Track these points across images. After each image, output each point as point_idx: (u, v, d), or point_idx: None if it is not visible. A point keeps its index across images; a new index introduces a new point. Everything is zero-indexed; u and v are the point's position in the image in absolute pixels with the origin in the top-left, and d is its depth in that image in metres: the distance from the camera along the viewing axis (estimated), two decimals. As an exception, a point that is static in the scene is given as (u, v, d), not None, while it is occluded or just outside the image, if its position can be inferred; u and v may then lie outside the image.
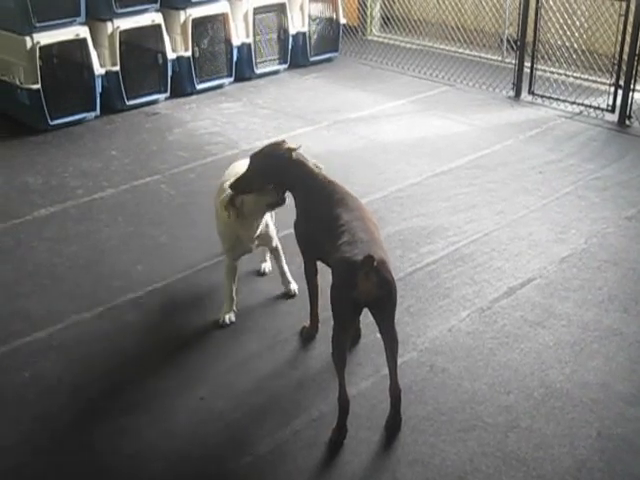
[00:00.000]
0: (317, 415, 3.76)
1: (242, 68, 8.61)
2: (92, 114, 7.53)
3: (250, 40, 8.51)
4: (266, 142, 4.62)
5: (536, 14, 7.68)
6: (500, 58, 9.07)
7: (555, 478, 3.38)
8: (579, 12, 7.94)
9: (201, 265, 5.02)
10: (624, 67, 7.17)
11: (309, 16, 9.07)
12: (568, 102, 7.70)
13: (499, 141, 6.96)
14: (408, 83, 8.67)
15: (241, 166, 4.47)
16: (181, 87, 8.20)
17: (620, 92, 7.26)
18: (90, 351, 4.29)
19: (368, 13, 10.30)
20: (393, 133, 7.24)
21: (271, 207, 4.18)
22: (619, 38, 7.14)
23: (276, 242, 4.58)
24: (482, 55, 9.21)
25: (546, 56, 8.09)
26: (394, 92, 8.34)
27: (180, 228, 5.52)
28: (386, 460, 3.52)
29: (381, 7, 10.34)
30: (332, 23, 9.35)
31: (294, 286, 4.69)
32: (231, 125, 7.45)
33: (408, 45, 9.75)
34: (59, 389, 4.00)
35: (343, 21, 9.44)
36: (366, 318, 3.71)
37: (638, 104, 7.31)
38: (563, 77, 8.01)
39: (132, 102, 7.76)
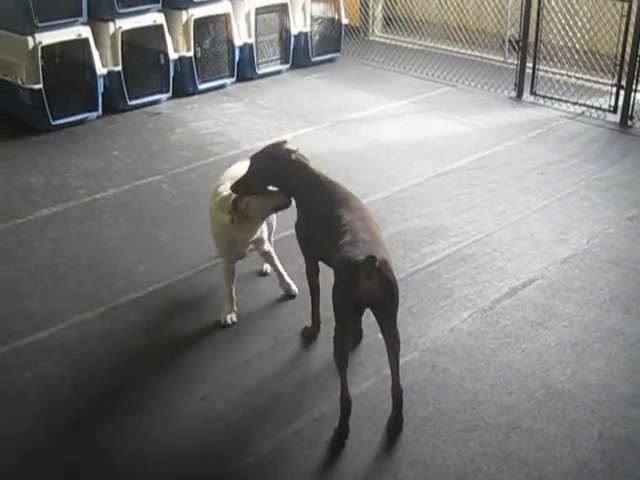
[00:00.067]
0: (319, 415, 3.76)
1: (244, 68, 8.61)
2: (94, 114, 7.53)
3: (252, 40, 8.52)
4: (268, 142, 4.64)
5: (538, 14, 7.67)
6: (502, 58, 9.06)
7: (556, 479, 3.38)
8: (581, 12, 7.94)
9: (203, 265, 5.02)
10: (626, 68, 7.17)
11: (311, 16, 9.07)
12: (570, 103, 7.70)
13: (501, 142, 6.95)
14: (410, 83, 8.67)
15: (238, 169, 4.49)
16: (183, 87, 8.20)
17: (622, 93, 7.26)
18: (92, 351, 4.29)
19: (370, 13, 10.30)
20: (395, 133, 7.24)
21: (277, 209, 4.17)
22: (621, 39, 7.14)
23: (268, 246, 4.56)
24: (484, 55, 9.20)
25: (548, 57, 8.09)
26: (396, 92, 8.34)
27: (182, 228, 5.52)
28: (388, 460, 3.52)
29: (383, 7, 10.35)
30: (334, 23, 9.35)
31: (294, 287, 4.69)
32: (233, 125, 7.45)
33: (410, 45, 9.75)
34: (61, 389, 4.01)
35: (345, 21, 9.44)
36: (368, 318, 3.71)
37: (640, 105, 7.33)
38: (565, 78, 8.00)
39: (134, 102, 7.76)
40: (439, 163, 6.53)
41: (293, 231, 4.15)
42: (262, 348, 4.27)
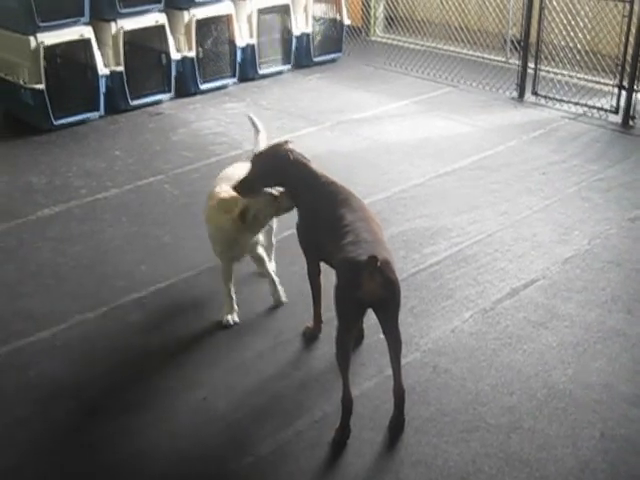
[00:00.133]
0: (320, 416, 3.76)
1: (246, 68, 8.62)
2: (96, 114, 7.54)
3: (254, 41, 8.52)
4: (270, 142, 4.64)
5: (540, 15, 7.67)
6: (503, 59, 9.05)
7: (558, 479, 3.38)
8: (583, 13, 7.93)
9: (204, 265, 5.02)
10: (628, 68, 7.17)
11: (313, 17, 9.07)
12: (572, 103, 7.69)
13: (502, 142, 6.95)
14: (411, 84, 8.67)
15: (233, 170, 4.49)
16: (185, 87, 8.21)
17: (624, 93, 7.26)
18: (93, 351, 4.30)
19: (372, 14, 10.30)
20: (396, 134, 7.24)
21: (284, 212, 4.16)
22: (623, 39, 7.14)
23: (261, 250, 4.53)
24: (485, 56, 9.19)
25: (550, 57, 8.09)
26: (397, 93, 8.34)
27: (184, 228, 5.52)
28: (389, 461, 3.52)
29: (385, 8, 10.35)
30: (336, 24, 9.35)
31: (284, 297, 4.57)
32: (235, 125, 7.45)
33: (411, 46, 9.74)
34: (62, 389, 4.01)
35: (347, 22, 9.44)
36: (369, 319, 3.71)
37: (642, 105, 7.33)
38: (567, 78, 8.00)
39: (136, 102, 7.76)
40: (441, 163, 6.53)
41: (294, 231, 4.15)
42: (263, 348, 4.27)
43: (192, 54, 8.02)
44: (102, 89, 7.44)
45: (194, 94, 8.23)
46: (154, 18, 7.68)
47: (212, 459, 3.55)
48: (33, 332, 4.41)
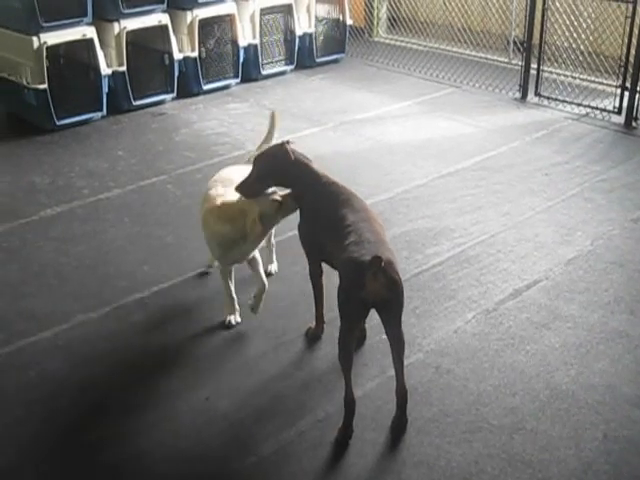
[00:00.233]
0: (322, 416, 3.76)
1: (249, 69, 8.62)
2: (99, 114, 7.55)
3: (257, 41, 8.52)
4: (272, 143, 4.65)
5: (542, 16, 7.66)
6: (506, 60, 9.06)
7: (560, 480, 3.39)
8: (585, 14, 7.93)
9: (207, 266, 5.02)
10: (630, 69, 7.16)
11: (316, 17, 9.07)
12: (574, 104, 7.69)
13: (505, 143, 6.95)
14: (414, 84, 8.66)
15: (228, 173, 4.49)
16: (188, 87, 8.21)
17: (626, 94, 7.25)
18: (95, 351, 4.30)
19: (374, 14, 10.30)
20: (399, 134, 7.24)
21: (288, 214, 4.15)
22: (625, 40, 7.13)
23: (257, 253, 4.46)
24: (488, 57, 9.20)
25: (552, 58, 8.08)
26: (400, 93, 8.34)
27: (186, 228, 5.52)
28: (391, 461, 3.52)
29: (387, 8, 10.35)
30: (338, 24, 9.35)
31: (260, 308, 4.38)
32: (238, 126, 7.46)
33: (414, 46, 9.75)
34: (64, 389, 4.01)
35: (349, 22, 9.43)
36: (371, 319, 3.71)
37: (645, 106, 7.31)
38: (569, 79, 7.99)
39: (139, 102, 7.77)
40: (443, 164, 6.52)
41: (296, 232, 4.15)
42: (266, 349, 4.27)
43: (195, 54, 8.03)
44: (105, 89, 7.45)
45: (197, 94, 8.24)
46: (157, 18, 7.68)
47: (214, 459, 3.55)
48: (35, 332, 4.41)
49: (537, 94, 7.92)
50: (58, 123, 7.22)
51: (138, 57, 7.66)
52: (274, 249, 4.91)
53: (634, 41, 7.04)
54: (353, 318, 3.53)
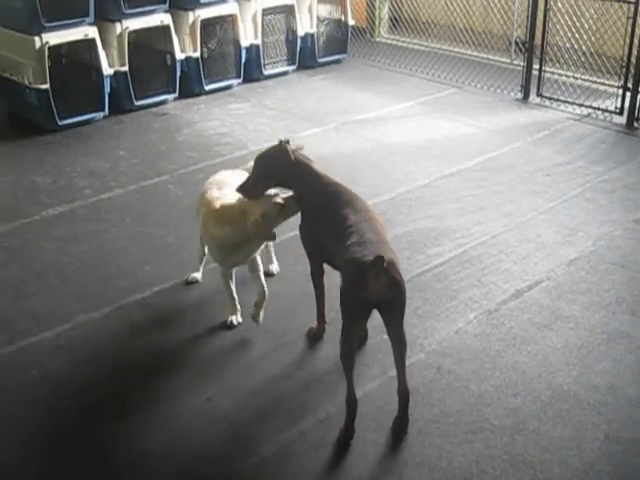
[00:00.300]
0: (324, 416, 3.76)
1: (250, 69, 8.62)
2: (100, 114, 7.55)
3: (259, 41, 8.52)
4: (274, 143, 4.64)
5: (544, 16, 7.67)
6: (508, 60, 9.06)
7: (562, 481, 3.38)
8: (587, 14, 7.93)
9: (208, 266, 5.01)
10: (632, 69, 7.16)
11: (317, 17, 9.08)
12: (576, 104, 7.69)
13: (507, 143, 6.95)
14: (416, 85, 8.66)
15: (223, 175, 4.48)
16: (189, 88, 8.21)
17: (628, 94, 7.25)
18: (97, 351, 4.30)
19: (376, 15, 10.30)
20: (401, 135, 7.24)
21: (290, 215, 4.14)
22: (627, 40, 7.13)
23: (257, 256, 4.46)
24: (490, 57, 9.20)
25: (554, 58, 8.08)
26: (402, 94, 8.33)
27: (188, 229, 5.51)
28: (393, 462, 3.51)
29: (389, 9, 10.34)
30: (340, 25, 9.35)
31: (261, 317, 4.34)
32: (240, 126, 7.46)
33: (416, 47, 9.75)
34: (66, 389, 4.01)
35: (351, 23, 9.44)
36: (373, 319, 3.70)
37: (646, 106, 7.31)
38: (571, 79, 7.99)
39: (140, 102, 7.77)
40: (445, 164, 6.52)
41: (297, 232, 4.15)
42: (267, 349, 4.27)
43: (197, 54, 8.03)
44: (107, 89, 7.45)
45: (199, 94, 8.24)
46: (159, 18, 7.69)
47: (216, 459, 3.55)
48: (37, 332, 4.41)
49: (539, 95, 7.92)
50: (60, 123, 7.23)
51: (140, 57, 7.66)
52: (272, 249, 4.90)
53: (636, 42, 7.05)
54: (355, 318, 3.53)
